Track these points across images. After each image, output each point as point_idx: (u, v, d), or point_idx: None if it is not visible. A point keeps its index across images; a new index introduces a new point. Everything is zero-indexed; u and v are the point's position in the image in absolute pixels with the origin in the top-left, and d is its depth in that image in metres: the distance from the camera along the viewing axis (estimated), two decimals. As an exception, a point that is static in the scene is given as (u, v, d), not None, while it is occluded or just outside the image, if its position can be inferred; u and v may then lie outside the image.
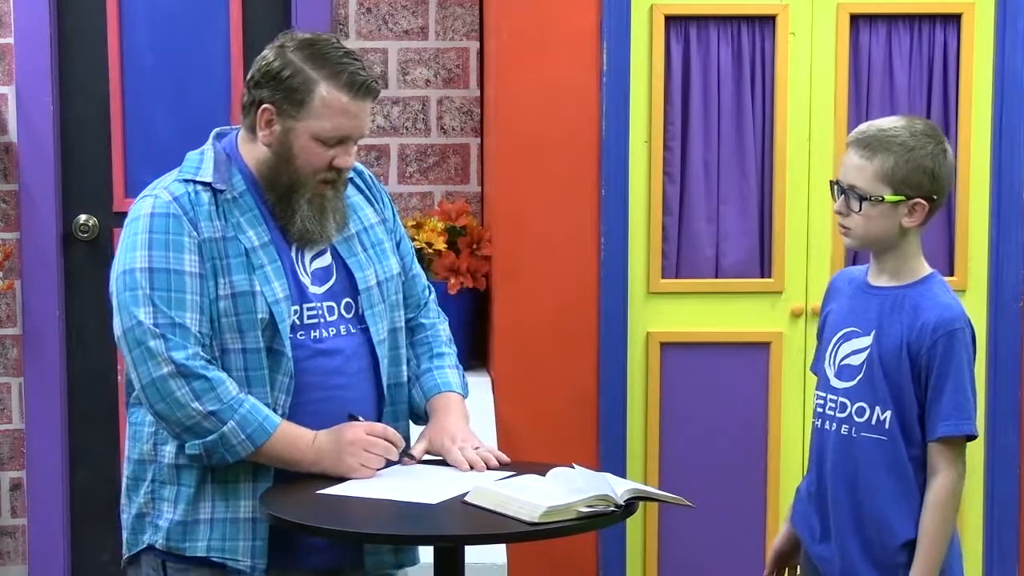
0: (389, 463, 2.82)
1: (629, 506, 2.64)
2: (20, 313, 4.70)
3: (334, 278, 2.90)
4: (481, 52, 4.69)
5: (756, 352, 4.32)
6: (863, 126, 2.93)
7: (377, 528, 2.60)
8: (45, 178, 4.67)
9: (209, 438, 2.72)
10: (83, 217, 4.75)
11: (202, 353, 2.73)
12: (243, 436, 2.72)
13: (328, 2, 4.66)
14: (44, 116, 4.65)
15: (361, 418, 2.81)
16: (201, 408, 2.71)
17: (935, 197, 2.87)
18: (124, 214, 4.65)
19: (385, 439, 2.79)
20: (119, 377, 4.76)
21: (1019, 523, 4.33)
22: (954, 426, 2.84)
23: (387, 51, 4.70)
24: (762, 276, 4.34)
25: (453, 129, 4.73)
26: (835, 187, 2.92)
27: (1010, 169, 4.25)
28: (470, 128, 4.72)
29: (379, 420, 2.92)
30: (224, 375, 2.74)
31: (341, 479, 2.76)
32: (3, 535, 4.76)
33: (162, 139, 4.73)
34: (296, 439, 2.77)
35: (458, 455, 2.85)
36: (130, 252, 2.78)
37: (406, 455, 2.85)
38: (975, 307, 4.28)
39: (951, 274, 4.30)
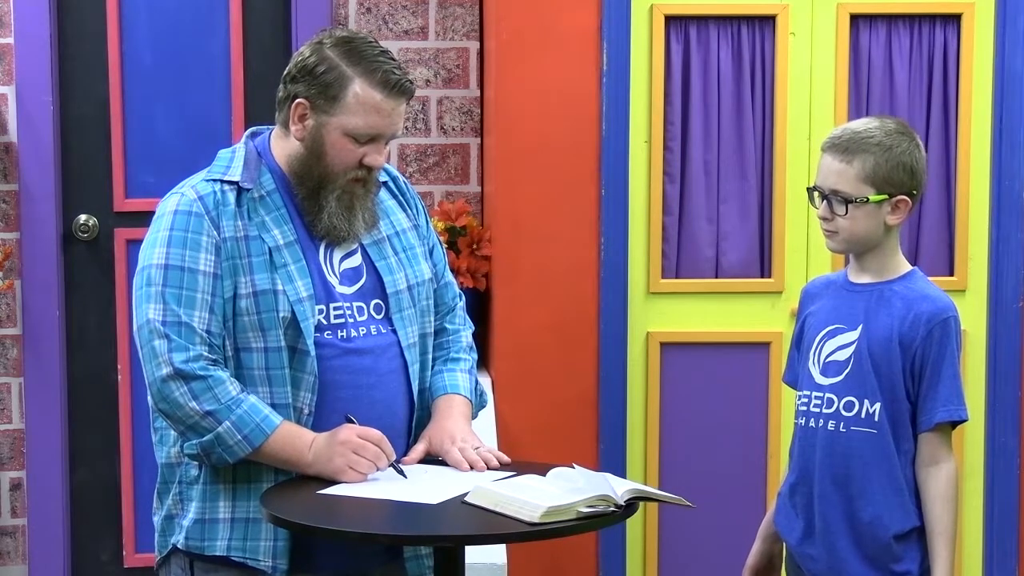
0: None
1: (629, 506, 2.64)
2: (20, 313, 4.70)
3: (364, 279, 2.89)
4: (481, 52, 4.69)
5: (756, 352, 4.32)
6: (836, 131, 2.95)
7: (377, 528, 2.59)
8: (45, 178, 4.67)
9: (206, 437, 2.72)
10: (83, 217, 4.75)
11: (206, 353, 2.73)
12: (239, 436, 2.72)
13: (328, 2, 4.66)
14: (44, 116, 4.65)
15: (356, 421, 2.79)
16: (198, 408, 2.71)
17: (915, 192, 2.92)
18: (124, 214, 4.76)
19: (378, 447, 2.75)
20: (119, 377, 4.76)
21: (1019, 523, 4.32)
22: (953, 411, 2.88)
23: (387, 51, 4.69)
24: (762, 276, 4.34)
25: (453, 129, 4.73)
26: (814, 194, 2.94)
27: (1010, 169, 4.25)
28: (470, 128, 4.72)
29: (410, 425, 2.92)
30: (225, 375, 2.74)
31: (335, 481, 2.74)
32: (3, 535, 4.76)
33: (162, 139, 4.74)
34: (295, 440, 2.76)
35: (457, 455, 2.84)
36: (150, 249, 2.79)
37: (395, 466, 2.79)
38: (975, 307, 4.28)
39: (951, 274, 4.30)
